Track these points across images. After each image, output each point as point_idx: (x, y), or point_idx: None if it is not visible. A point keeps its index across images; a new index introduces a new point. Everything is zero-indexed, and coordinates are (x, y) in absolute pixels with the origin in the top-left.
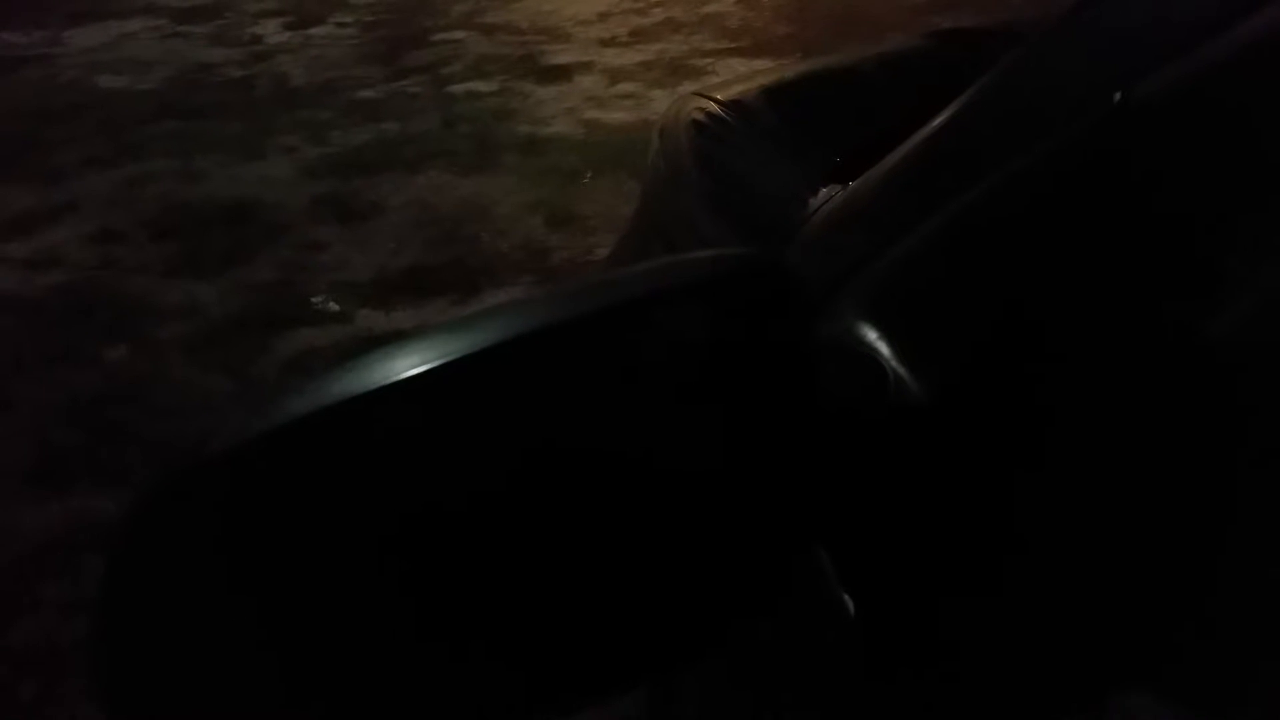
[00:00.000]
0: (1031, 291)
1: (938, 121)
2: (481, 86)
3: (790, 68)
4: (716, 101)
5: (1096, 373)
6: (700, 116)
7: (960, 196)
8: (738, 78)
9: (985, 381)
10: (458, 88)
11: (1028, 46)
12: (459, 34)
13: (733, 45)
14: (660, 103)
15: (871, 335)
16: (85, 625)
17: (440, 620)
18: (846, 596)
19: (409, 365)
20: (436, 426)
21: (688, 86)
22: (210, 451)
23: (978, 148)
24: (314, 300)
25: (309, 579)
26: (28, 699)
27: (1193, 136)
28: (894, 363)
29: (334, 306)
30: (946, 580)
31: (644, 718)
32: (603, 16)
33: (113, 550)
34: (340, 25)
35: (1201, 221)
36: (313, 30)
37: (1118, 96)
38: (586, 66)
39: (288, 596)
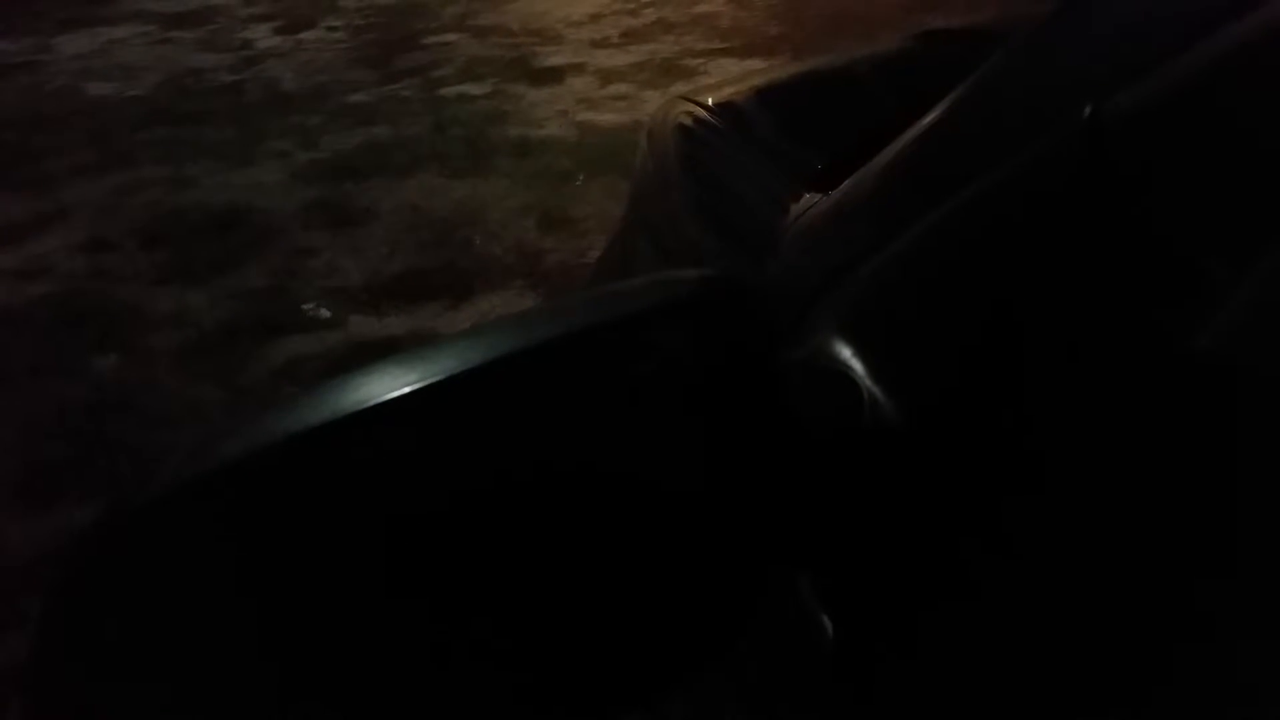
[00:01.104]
0: (1010, 307)
1: (915, 131)
2: (473, 89)
3: (780, 70)
4: (704, 106)
5: (1082, 388)
6: (687, 121)
7: (935, 211)
8: (728, 79)
9: (963, 401)
10: (449, 91)
11: (1005, 53)
12: (450, 37)
13: (724, 46)
14: (653, 104)
15: (845, 353)
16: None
17: (413, 665)
18: (825, 618)
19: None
20: (379, 467)
21: (680, 87)
22: (142, 497)
23: (953, 160)
24: (305, 307)
25: (273, 608)
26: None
27: (1171, 144)
28: (868, 382)
29: (325, 313)
30: (925, 601)
31: None
32: (594, 18)
33: (58, 584)
34: (331, 29)
35: (1182, 229)
36: (303, 34)
37: (1088, 111)
38: (578, 68)
39: (247, 633)
